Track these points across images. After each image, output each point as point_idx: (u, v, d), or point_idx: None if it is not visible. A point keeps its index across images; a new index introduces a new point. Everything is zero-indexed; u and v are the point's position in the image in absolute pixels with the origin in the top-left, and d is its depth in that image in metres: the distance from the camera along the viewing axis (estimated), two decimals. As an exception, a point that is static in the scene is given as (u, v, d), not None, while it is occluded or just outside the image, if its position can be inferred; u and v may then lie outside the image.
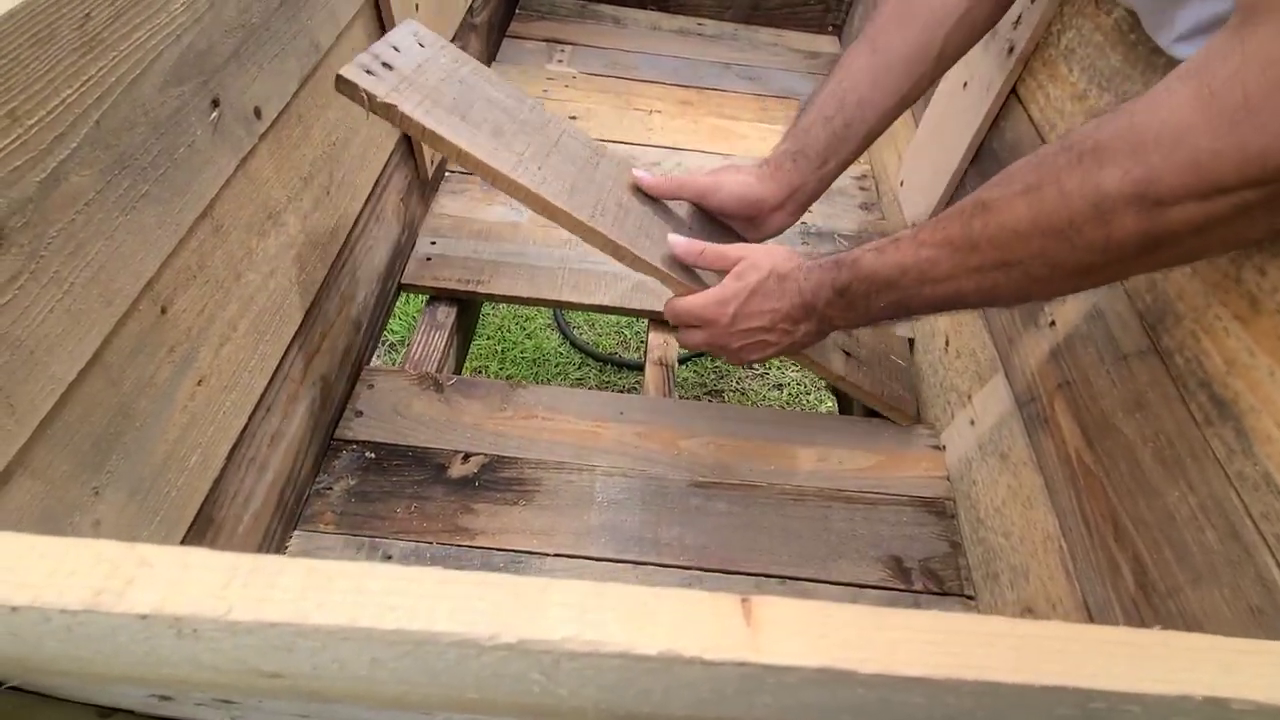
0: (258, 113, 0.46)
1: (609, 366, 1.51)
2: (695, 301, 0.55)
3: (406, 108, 0.50)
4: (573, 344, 1.54)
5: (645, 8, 1.24)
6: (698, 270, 0.58)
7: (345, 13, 0.56)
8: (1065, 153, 0.33)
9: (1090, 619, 0.44)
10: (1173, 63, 0.42)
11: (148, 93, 0.36)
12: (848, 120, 0.55)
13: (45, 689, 0.28)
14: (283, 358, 0.52)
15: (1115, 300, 0.45)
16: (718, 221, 0.63)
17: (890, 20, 0.53)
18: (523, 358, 1.51)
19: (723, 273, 0.55)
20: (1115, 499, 0.43)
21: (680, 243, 0.56)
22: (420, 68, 0.54)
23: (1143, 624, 0.39)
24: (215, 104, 0.41)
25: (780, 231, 0.63)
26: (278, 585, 0.15)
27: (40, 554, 0.15)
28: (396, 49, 0.53)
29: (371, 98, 0.49)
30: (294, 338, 0.54)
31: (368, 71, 0.49)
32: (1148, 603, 0.39)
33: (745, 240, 0.62)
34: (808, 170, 0.57)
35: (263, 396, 0.50)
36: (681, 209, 0.63)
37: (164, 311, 0.39)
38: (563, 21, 1.18)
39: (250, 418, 0.49)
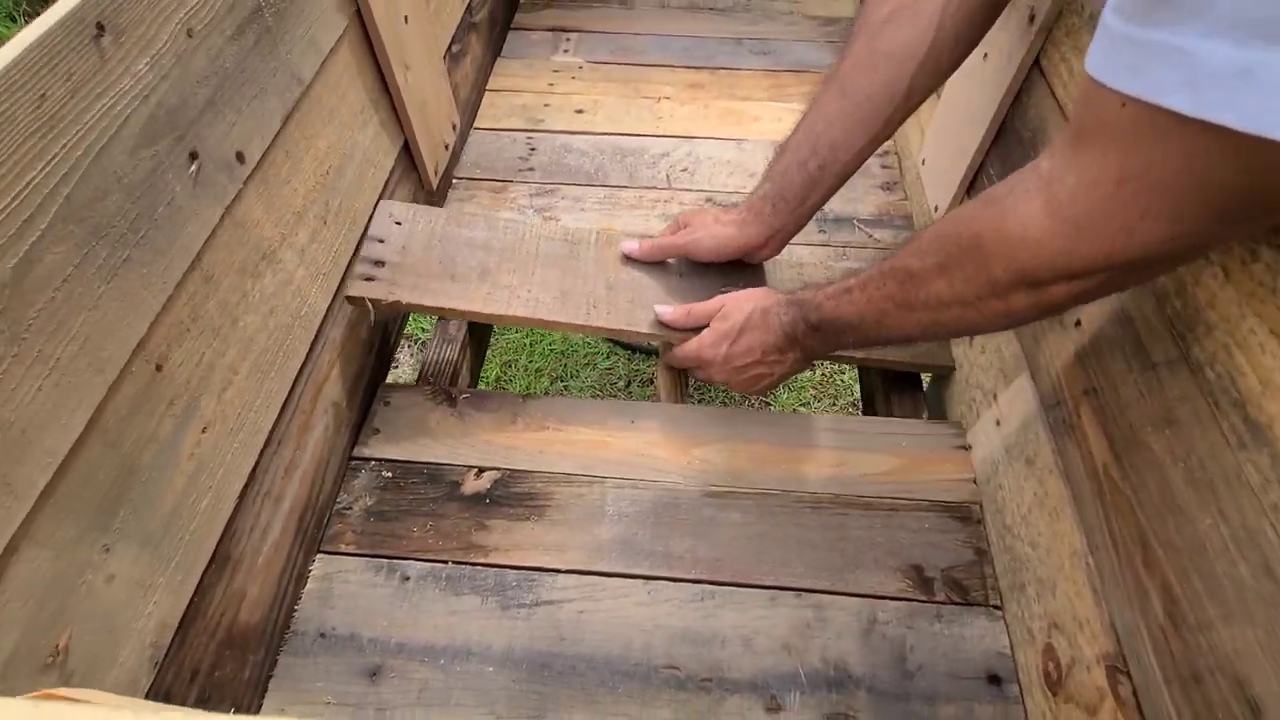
0: (240, 157, 0.46)
1: (638, 353, 1.51)
2: (690, 346, 0.62)
3: (404, 297, 0.59)
4: (600, 333, 1.54)
5: (653, -16, 1.19)
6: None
7: (327, 40, 0.56)
8: (956, 240, 0.40)
9: (1118, 643, 0.41)
10: None
11: (118, 159, 0.36)
12: (822, 163, 0.58)
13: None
14: (290, 391, 0.54)
15: (1144, 303, 0.41)
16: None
17: (857, 64, 0.55)
18: (551, 350, 1.52)
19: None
20: (1144, 520, 0.40)
21: (666, 313, 0.63)
22: (405, 248, 0.62)
23: (1172, 658, 0.37)
24: (193, 156, 0.42)
25: (762, 263, 0.69)
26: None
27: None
28: (381, 240, 0.62)
29: (376, 303, 0.58)
30: (300, 370, 0.55)
31: (367, 279, 0.59)
32: (1177, 634, 0.37)
33: (731, 268, 0.67)
34: (786, 212, 0.61)
35: (272, 432, 0.51)
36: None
37: (159, 369, 0.40)
38: (568, 8, 1.14)
39: (261, 454, 0.50)
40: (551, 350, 1.52)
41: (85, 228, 0.34)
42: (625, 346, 1.52)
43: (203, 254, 0.43)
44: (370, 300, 0.58)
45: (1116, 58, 0.28)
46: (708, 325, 0.61)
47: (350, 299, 0.59)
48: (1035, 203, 0.34)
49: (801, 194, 0.60)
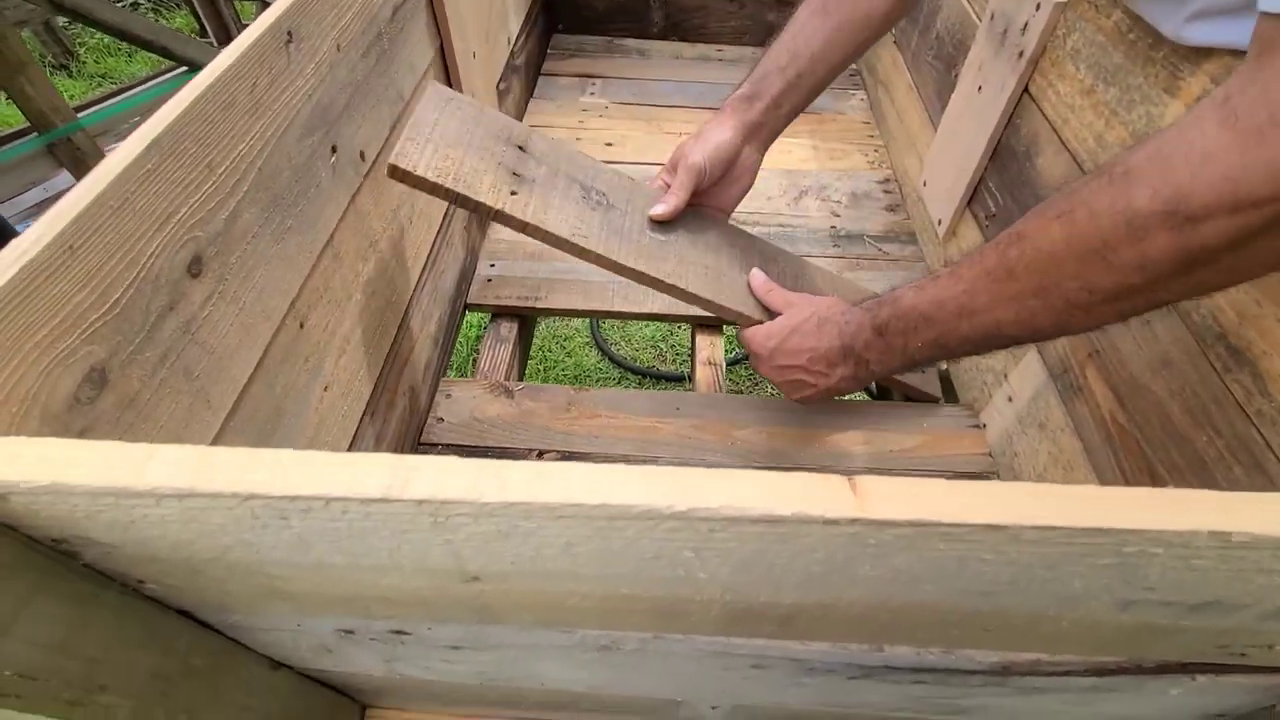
0: (362, 155, 0.53)
1: (647, 379, 1.57)
2: (747, 333, 0.62)
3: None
4: (611, 359, 1.60)
5: (667, 39, 1.32)
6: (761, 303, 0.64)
7: (421, 64, 0.64)
8: (1096, 178, 0.34)
9: (1136, 565, 0.48)
10: (1176, 52, 0.46)
11: (290, 143, 0.43)
12: (800, 71, 0.62)
13: (228, 628, 0.34)
14: (382, 368, 0.59)
15: (1135, 271, 0.49)
16: (699, 208, 0.67)
17: None
18: (565, 375, 1.57)
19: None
20: (1150, 451, 0.47)
21: (758, 279, 0.64)
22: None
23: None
24: (334, 150, 0.49)
25: (753, 173, 0.67)
26: (510, 479, 0.20)
27: (340, 462, 0.21)
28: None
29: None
30: (389, 350, 0.61)
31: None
32: (1187, 540, 0.43)
33: (723, 205, 0.69)
34: (763, 111, 0.63)
35: (369, 403, 0.57)
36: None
37: (302, 326, 0.46)
38: (591, 58, 1.26)
39: (360, 421, 0.55)
40: (565, 375, 1.57)
41: (268, 195, 0.41)
42: (635, 371, 1.58)
43: (335, 233, 0.49)
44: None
45: None
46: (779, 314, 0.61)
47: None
48: (1208, 121, 0.30)
49: (778, 97, 0.62)
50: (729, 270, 0.65)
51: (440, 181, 0.51)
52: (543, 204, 0.56)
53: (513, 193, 0.55)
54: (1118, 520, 0.20)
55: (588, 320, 1.65)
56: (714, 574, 0.24)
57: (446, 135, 0.53)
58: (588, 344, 1.65)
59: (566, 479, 0.20)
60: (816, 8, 0.62)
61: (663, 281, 0.59)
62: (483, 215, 0.54)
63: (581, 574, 0.25)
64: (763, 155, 0.67)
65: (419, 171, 0.50)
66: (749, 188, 0.69)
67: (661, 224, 0.64)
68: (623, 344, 1.65)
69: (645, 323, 1.63)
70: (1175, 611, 0.25)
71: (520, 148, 0.59)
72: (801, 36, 0.61)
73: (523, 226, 0.55)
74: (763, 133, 0.65)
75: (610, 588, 0.26)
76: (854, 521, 0.20)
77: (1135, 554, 0.21)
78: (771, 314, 0.63)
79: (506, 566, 0.24)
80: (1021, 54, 0.64)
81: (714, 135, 0.64)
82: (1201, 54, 0.44)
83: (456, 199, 0.52)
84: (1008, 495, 0.20)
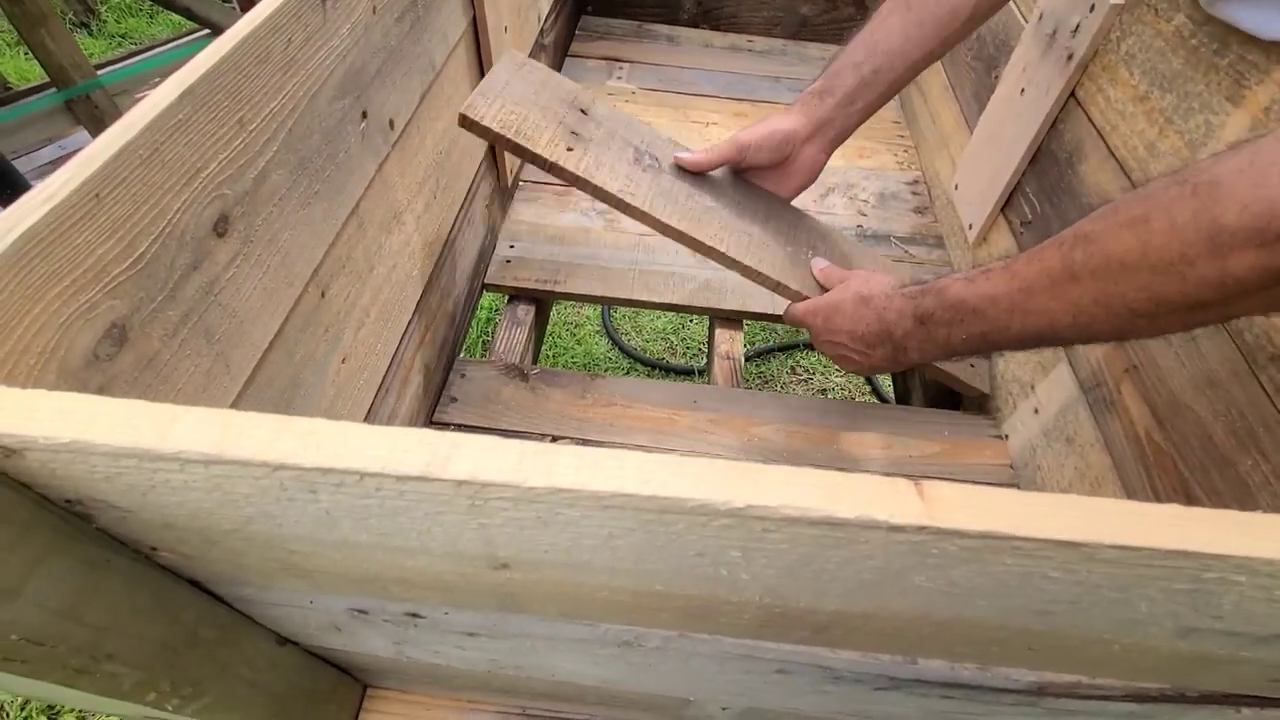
0: (391, 124, 0.52)
1: (657, 371, 1.56)
2: (798, 308, 0.61)
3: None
4: (621, 349, 1.59)
5: (697, 27, 1.30)
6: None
7: (454, 35, 0.63)
8: (1177, 186, 0.32)
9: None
10: (1244, 59, 0.44)
11: (322, 105, 0.41)
12: (876, 68, 0.59)
13: (237, 601, 0.33)
14: (399, 344, 0.58)
15: (1183, 285, 0.47)
16: (752, 184, 0.67)
17: None
18: (574, 362, 1.56)
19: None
20: (1187, 472, 0.45)
21: (820, 264, 0.64)
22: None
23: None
24: (364, 115, 0.47)
25: (815, 170, 0.66)
26: (558, 464, 0.19)
27: (378, 435, 0.19)
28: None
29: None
30: (406, 326, 0.59)
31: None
32: (1223, 566, 0.42)
33: (780, 194, 0.67)
34: (834, 108, 0.61)
35: (384, 378, 0.55)
36: (719, 173, 0.66)
37: (323, 295, 0.44)
38: (620, 41, 1.24)
39: (375, 396, 0.54)
40: (574, 363, 1.56)
41: (297, 157, 0.39)
42: (645, 363, 1.57)
43: (361, 202, 0.48)
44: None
45: None
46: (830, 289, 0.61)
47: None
48: None
49: (851, 93, 0.60)
50: (772, 242, 0.64)
51: (503, 132, 0.55)
52: (595, 161, 0.58)
53: (569, 149, 0.58)
54: (1204, 544, 0.19)
55: (599, 308, 1.64)
56: (758, 576, 0.23)
57: (514, 94, 0.58)
58: (598, 332, 1.64)
59: (619, 466, 0.19)
60: (900, 2, 0.58)
61: (702, 243, 0.60)
62: (540, 167, 0.57)
63: (618, 568, 0.23)
64: (829, 154, 0.65)
65: (484, 122, 0.55)
66: (809, 183, 0.67)
67: (709, 191, 0.63)
68: (633, 334, 1.64)
69: (657, 314, 1.62)
70: (1238, 643, 0.24)
71: (583, 111, 0.63)
72: (881, 31, 0.58)
73: (574, 180, 0.57)
74: (831, 130, 0.62)
75: (645, 584, 0.25)
76: (921, 530, 0.19)
77: (1214, 580, 0.20)
78: (824, 290, 0.62)
79: (540, 555, 0.23)
80: (1070, 56, 0.62)
81: (773, 122, 0.63)
82: (1274, 60, 0.42)
83: (516, 149, 0.56)
84: (1088, 510, 0.19)
